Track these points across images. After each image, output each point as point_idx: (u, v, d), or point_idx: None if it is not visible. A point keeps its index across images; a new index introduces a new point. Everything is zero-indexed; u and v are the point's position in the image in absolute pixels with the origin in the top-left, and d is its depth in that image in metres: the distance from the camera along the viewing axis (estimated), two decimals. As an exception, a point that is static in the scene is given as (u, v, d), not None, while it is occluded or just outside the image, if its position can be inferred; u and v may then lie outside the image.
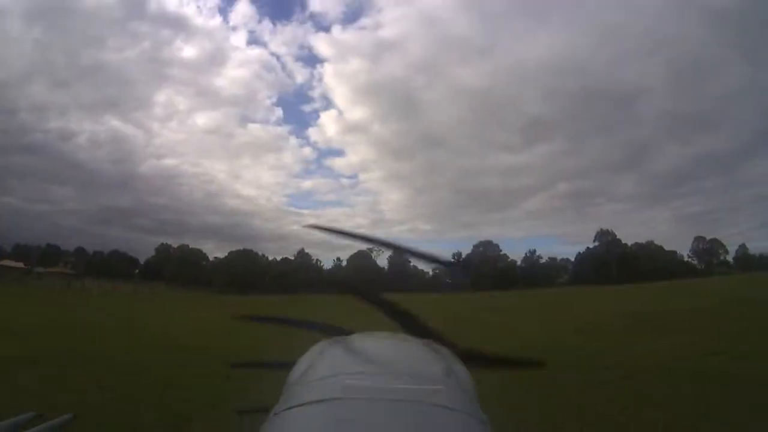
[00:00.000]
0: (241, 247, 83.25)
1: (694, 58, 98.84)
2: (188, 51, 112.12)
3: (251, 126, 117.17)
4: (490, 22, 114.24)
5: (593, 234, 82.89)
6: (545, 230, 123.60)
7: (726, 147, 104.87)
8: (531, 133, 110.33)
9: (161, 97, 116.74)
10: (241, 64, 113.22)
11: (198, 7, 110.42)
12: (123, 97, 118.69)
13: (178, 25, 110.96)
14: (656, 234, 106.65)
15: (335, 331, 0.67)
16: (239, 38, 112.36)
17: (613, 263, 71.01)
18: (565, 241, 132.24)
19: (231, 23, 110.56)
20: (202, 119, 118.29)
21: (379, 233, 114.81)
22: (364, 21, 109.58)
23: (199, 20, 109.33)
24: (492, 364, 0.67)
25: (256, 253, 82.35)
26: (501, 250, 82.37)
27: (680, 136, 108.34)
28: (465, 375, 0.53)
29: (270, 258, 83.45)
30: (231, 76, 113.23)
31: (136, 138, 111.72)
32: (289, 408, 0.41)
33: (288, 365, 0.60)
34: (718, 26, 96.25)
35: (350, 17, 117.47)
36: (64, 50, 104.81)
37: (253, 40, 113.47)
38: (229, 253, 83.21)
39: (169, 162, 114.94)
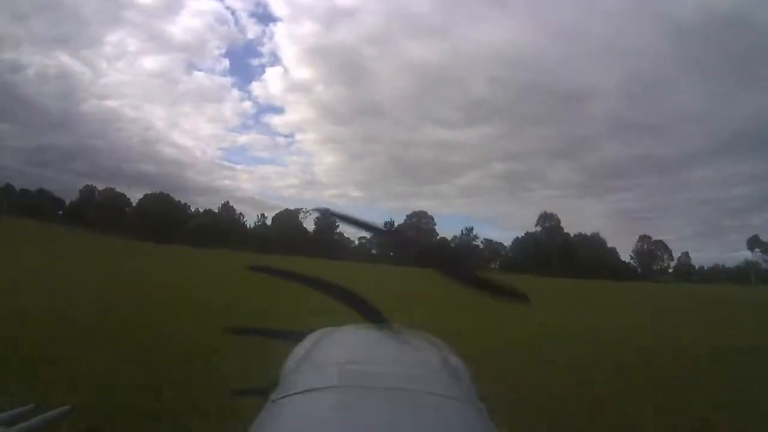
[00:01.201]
0: (158, 191, 78.93)
1: (650, 68, 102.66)
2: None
3: (196, 74, 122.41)
4: (451, 1, 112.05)
5: (525, 220, 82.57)
6: (476, 211, 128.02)
7: (667, 152, 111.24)
8: (472, 114, 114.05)
9: (113, 37, 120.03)
10: (196, 14, 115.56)
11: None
12: (76, 34, 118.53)
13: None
14: (594, 227, 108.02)
15: (358, 302, 0.63)
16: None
17: (554, 252, 68.98)
18: (495, 225, 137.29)
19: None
20: (150, 62, 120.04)
21: (310, 195, 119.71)
22: None
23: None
24: (482, 287, 0.65)
25: (173, 198, 78.73)
26: (435, 224, 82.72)
27: (622, 137, 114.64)
28: (461, 364, 0.53)
29: (193, 209, 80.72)
30: (184, 25, 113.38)
31: (83, 75, 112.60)
32: (286, 395, 0.42)
33: (294, 336, 0.60)
34: (680, 41, 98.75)
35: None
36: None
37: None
38: (144, 196, 79.26)
39: (111, 104, 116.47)
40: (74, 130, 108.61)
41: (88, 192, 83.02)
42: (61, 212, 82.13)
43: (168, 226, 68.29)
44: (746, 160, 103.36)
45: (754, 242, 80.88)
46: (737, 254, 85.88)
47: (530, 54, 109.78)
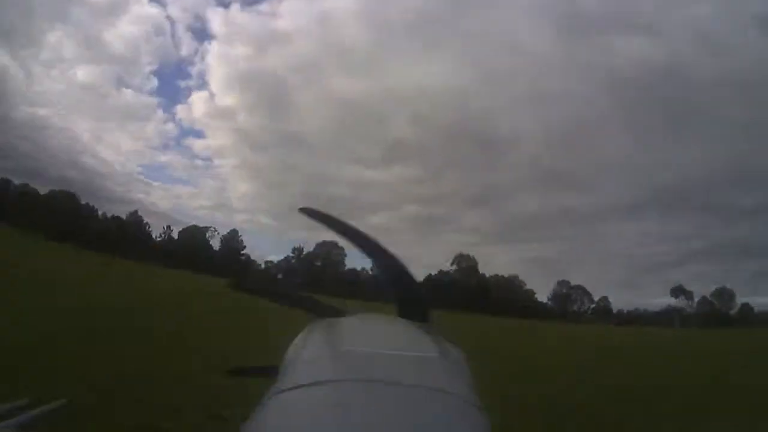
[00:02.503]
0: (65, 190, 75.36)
1: (577, 117, 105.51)
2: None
3: (126, 91, 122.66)
4: (384, 38, 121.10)
5: (438, 261, 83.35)
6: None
7: (588, 205, 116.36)
8: (391, 153, 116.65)
9: (53, 38, 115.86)
10: (136, 21, 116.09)
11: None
12: (20, 28, 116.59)
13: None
14: (511, 271, 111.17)
15: (328, 310, 0.66)
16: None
17: (468, 290, 70.66)
18: (407, 263, 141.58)
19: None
20: (83, 73, 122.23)
21: (220, 217, 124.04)
22: (264, 7, 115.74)
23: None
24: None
25: (78, 199, 76.52)
26: (346, 255, 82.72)
27: (542, 187, 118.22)
28: (460, 358, 0.54)
29: (100, 213, 78.49)
30: (123, 32, 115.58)
31: (18, 79, 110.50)
32: (285, 390, 0.42)
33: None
34: (612, 92, 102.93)
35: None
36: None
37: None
38: (50, 192, 76.59)
39: (42, 112, 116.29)
40: (4, 131, 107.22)
41: (3, 184, 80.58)
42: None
43: (72, 226, 65.70)
44: (669, 218, 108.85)
45: (678, 290, 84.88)
46: (658, 301, 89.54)
47: (456, 95, 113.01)
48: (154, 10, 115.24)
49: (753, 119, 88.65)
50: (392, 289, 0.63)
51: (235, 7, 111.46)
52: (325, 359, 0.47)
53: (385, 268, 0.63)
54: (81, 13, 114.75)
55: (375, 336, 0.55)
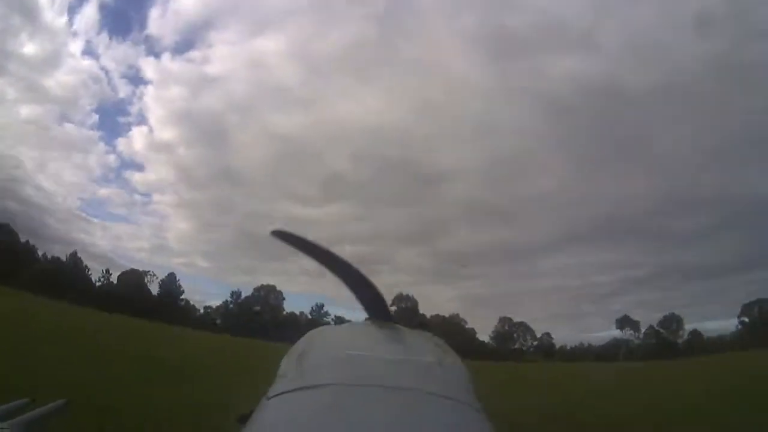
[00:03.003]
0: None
1: (517, 149, 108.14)
2: (29, 48, 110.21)
3: (67, 125, 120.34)
4: (317, 77, 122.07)
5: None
6: (323, 289, 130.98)
7: (524, 239, 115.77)
8: (327, 190, 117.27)
9: None
10: (72, 72, 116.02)
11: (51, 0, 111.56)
12: None
13: (29, 15, 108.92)
14: (451, 310, 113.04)
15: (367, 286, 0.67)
16: (77, 46, 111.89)
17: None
18: (344, 305, 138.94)
19: (74, 27, 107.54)
20: (25, 111, 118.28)
21: (159, 260, 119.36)
22: (194, 54, 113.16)
23: (48, 16, 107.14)
24: None
25: (17, 235, 74.76)
26: (284, 299, 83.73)
27: (478, 223, 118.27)
28: (459, 364, 0.55)
29: (41, 253, 77.37)
30: (60, 80, 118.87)
31: None
32: (282, 393, 0.42)
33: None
34: (547, 116, 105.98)
35: (182, 47, 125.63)
36: None
37: (88, 51, 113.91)
38: None
39: None
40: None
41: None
42: None
43: (11, 266, 65.61)
44: (608, 247, 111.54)
45: (624, 321, 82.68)
46: (603, 334, 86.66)
47: (391, 129, 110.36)
48: (87, 62, 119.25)
49: (693, 134, 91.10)
50: (359, 297, 0.71)
51: (165, 57, 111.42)
52: (324, 363, 0.49)
53: (351, 281, 0.72)
54: (19, 67, 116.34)
55: (374, 341, 0.59)
